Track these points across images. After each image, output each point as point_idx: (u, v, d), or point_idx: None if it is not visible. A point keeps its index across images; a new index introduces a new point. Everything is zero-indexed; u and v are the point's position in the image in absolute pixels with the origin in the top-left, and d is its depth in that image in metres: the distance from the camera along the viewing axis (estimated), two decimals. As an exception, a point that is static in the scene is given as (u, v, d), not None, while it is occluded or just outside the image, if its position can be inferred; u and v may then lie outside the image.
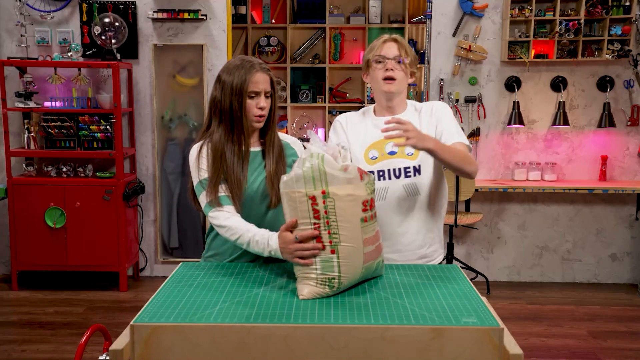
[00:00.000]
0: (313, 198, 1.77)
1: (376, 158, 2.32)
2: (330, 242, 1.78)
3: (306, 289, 1.80)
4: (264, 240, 1.95)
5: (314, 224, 1.79)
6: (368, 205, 1.83)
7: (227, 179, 2.11)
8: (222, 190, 2.10)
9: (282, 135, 2.33)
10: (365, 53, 2.39)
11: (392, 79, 2.30)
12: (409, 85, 2.46)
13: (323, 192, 1.77)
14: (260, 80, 2.13)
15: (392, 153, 2.31)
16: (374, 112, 2.43)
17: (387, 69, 2.30)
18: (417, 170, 2.30)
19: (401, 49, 2.32)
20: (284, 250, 1.88)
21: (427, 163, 2.31)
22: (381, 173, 2.31)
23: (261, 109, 2.14)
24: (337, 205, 1.78)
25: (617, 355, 3.75)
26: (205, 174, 2.12)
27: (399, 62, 2.30)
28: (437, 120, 2.33)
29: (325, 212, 1.77)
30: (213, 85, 2.21)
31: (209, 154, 2.15)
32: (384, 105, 2.38)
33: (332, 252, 1.78)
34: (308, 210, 1.79)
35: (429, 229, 2.36)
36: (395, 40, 2.33)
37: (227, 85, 2.14)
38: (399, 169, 2.30)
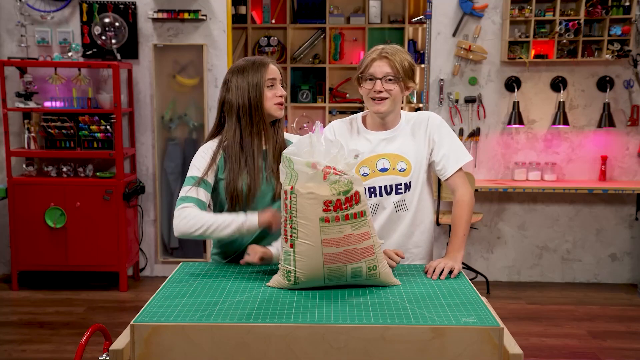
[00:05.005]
0: (285, 193, 1.84)
1: (367, 175, 2.28)
2: (290, 236, 1.84)
3: (274, 277, 1.92)
4: (241, 216, 2.08)
5: (284, 217, 1.86)
6: (331, 206, 1.79)
7: (248, 173, 2.16)
8: (201, 195, 2.14)
9: (286, 135, 2.32)
10: (357, 68, 2.30)
11: (382, 99, 2.22)
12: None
13: (291, 188, 1.82)
14: (273, 70, 2.20)
15: (383, 170, 2.28)
16: (364, 122, 2.35)
17: (375, 90, 2.21)
18: (407, 186, 2.28)
19: (392, 65, 2.19)
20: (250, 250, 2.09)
21: (417, 180, 2.29)
22: (372, 190, 2.29)
23: (280, 96, 2.19)
24: (299, 202, 1.81)
25: (617, 355, 3.75)
26: (196, 172, 2.16)
27: (390, 79, 2.21)
28: (435, 144, 2.28)
29: (290, 207, 1.83)
30: (220, 89, 2.24)
31: (220, 153, 2.19)
32: (377, 121, 2.31)
33: (291, 246, 1.84)
34: (283, 203, 1.87)
35: (410, 242, 2.34)
36: (385, 57, 2.20)
37: (243, 83, 2.17)
38: (391, 186, 2.28)
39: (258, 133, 2.18)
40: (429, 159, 2.31)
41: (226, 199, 2.18)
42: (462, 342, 1.60)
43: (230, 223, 2.06)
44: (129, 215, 4.85)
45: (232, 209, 2.18)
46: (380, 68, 2.20)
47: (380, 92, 2.20)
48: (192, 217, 2.06)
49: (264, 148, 2.23)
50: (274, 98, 2.17)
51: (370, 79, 2.22)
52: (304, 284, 1.86)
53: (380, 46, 2.27)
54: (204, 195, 2.14)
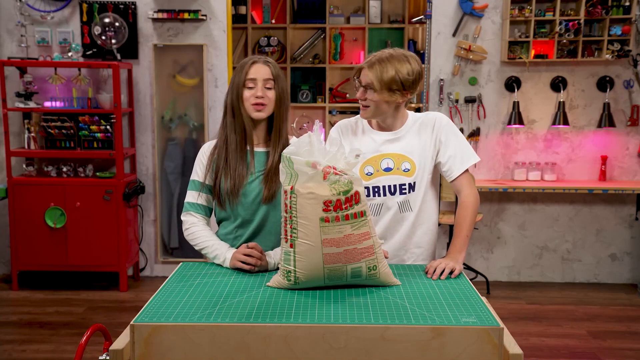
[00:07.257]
0: (285, 192, 1.85)
1: (371, 174, 2.28)
2: (290, 236, 1.84)
3: (274, 277, 1.93)
4: (223, 248, 2.15)
5: (284, 217, 1.86)
6: (332, 206, 1.78)
7: (227, 173, 2.20)
8: (202, 199, 2.27)
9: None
10: None
11: (364, 106, 2.24)
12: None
13: (291, 188, 1.82)
14: (257, 71, 2.19)
15: (387, 170, 2.28)
16: (370, 122, 2.35)
17: (358, 97, 2.23)
18: (412, 187, 2.28)
19: (372, 76, 2.17)
20: (232, 256, 2.09)
21: (421, 181, 2.28)
22: (376, 189, 2.28)
23: (258, 97, 2.17)
24: (299, 202, 1.81)
25: (617, 355, 3.75)
26: (196, 177, 2.28)
27: (370, 88, 2.19)
28: (442, 144, 2.28)
29: (290, 207, 1.83)
30: None
31: (214, 152, 2.26)
32: (380, 123, 2.32)
33: (291, 246, 1.84)
34: (283, 203, 1.87)
35: (411, 243, 2.33)
36: (369, 67, 2.18)
37: (230, 83, 2.24)
38: (395, 186, 2.27)
39: (240, 133, 2.21)
40: (435, 160, 2.30)
41: (213, 197, 2.27)
42: (462, 342, 1.60)
43: (216, 256, 2.16)
44: (129, 215, 4.85)
45: (221, 207, 2.25)
46: (364, 77, 2.22)
47: (362, 99, 2.23)
48: (191, 232, 2.25)
49: (260, 150, 2.25)
50: (251, 98, 2.17)
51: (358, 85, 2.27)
52: (304, 284, 1.86)
53: (381, 52, 2.22)
54: (206, 199, 2.28)
